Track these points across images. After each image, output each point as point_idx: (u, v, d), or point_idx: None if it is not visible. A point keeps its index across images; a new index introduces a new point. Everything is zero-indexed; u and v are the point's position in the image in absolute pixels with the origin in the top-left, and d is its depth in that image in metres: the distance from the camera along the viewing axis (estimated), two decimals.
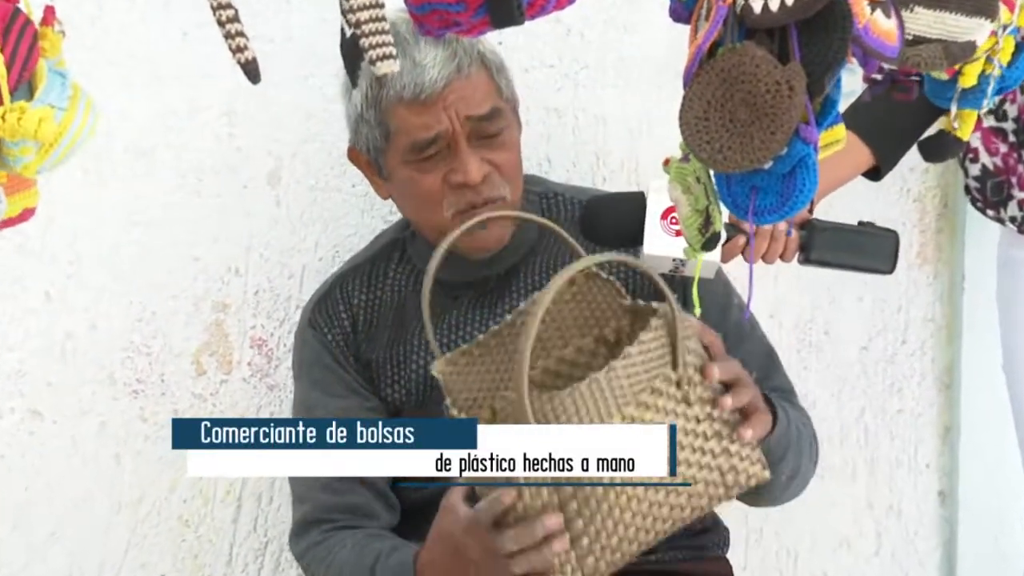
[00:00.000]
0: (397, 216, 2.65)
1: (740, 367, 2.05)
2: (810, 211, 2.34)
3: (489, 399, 2.11)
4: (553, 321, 2.16)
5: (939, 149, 1.62)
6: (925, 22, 1.47)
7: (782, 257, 2.31)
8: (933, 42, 1.48)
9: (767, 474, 1.99)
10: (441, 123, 2.36)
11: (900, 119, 1.97)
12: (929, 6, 1.47)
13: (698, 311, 1.78)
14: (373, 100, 2.39)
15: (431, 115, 2.35)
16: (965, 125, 1.60)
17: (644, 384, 1.87)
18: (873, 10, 1.38)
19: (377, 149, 2.42)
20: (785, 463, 2.22)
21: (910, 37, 1.47)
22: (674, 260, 2.21)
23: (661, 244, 2.20)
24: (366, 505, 2.40)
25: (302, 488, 2.45)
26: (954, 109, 2.61)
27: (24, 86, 1.43)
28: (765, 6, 1.38)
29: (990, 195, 2.69)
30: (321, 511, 2.40)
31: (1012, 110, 2.61)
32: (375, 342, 2.49)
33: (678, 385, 1.91)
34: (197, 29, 2.57)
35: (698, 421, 1.93)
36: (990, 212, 2.71)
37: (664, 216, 2.20)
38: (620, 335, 2.14)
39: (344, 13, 1.38)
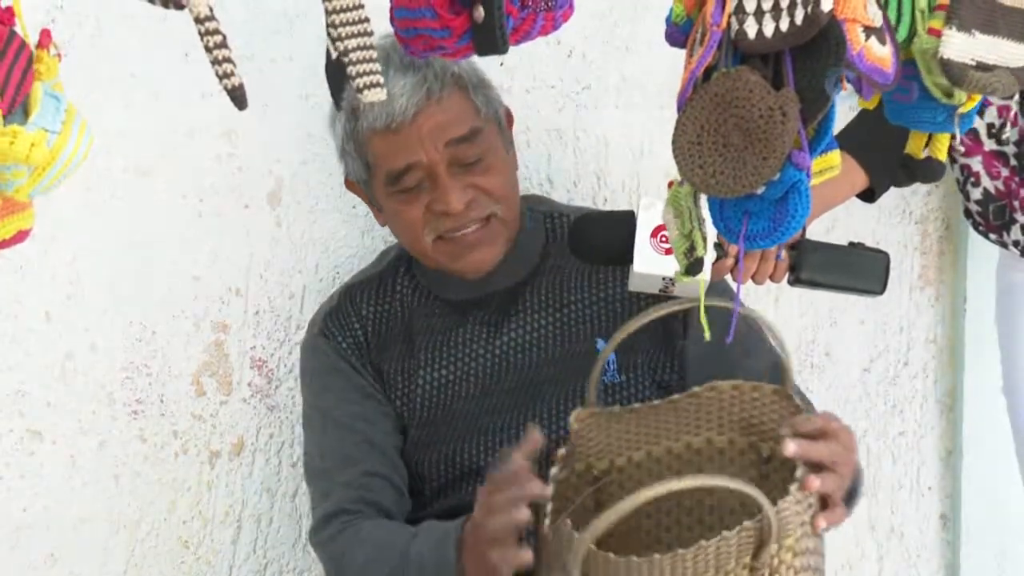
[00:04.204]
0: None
1: (835, 446, 1.99)
2: (802, 234, 2.33)
3: (615, 456, 2.11)
4: (719, 407, 2.12)
5: (927, 173, 1.61)
6: (984, 47, 1.47)
7: (772, 277, 2.30)
8: (998, 68, 1.48)
9: None
10: (416, 154, 2.37)
11: (895, 141, 1.97)
12: (986, 31, 1.47)
13: (707, 335, 1.78)
14: (351, 133, 2.41)
15: (404, 145, 2.36)
16: (943, 147, 1.60)
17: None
18: (868, 36, 1.38)
19: (363, 181, 2.45)
20: None
21: (973, 63, 1.46)
22: (663, 279, 2.20)
23: (650, 263, 2.20)
24: (387, 504, 2.40)
25: (325, 485, 2.44)
26: (959, 132, 2.61)
27: (19, 109, 1.42)
28: (759, 32, 1.38)
29: (992, 219, 2.68)
30: (344, 503, 2.39)
31: (1013, 134, 2.60)
32: (386, 352, 2.50)
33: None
34: (197, 49, 2.54)
35: None
36: (992, 236, 2.70)
37: (654, 235, 2.19)
38: (774, 455, 2.09)
39: (332, 40, 1.38)
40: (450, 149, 2.37)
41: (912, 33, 1.47)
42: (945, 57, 1.45)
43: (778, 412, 2.07)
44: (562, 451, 2.07)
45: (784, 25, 1.37)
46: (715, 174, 1.41)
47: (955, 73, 1.45)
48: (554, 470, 2.04)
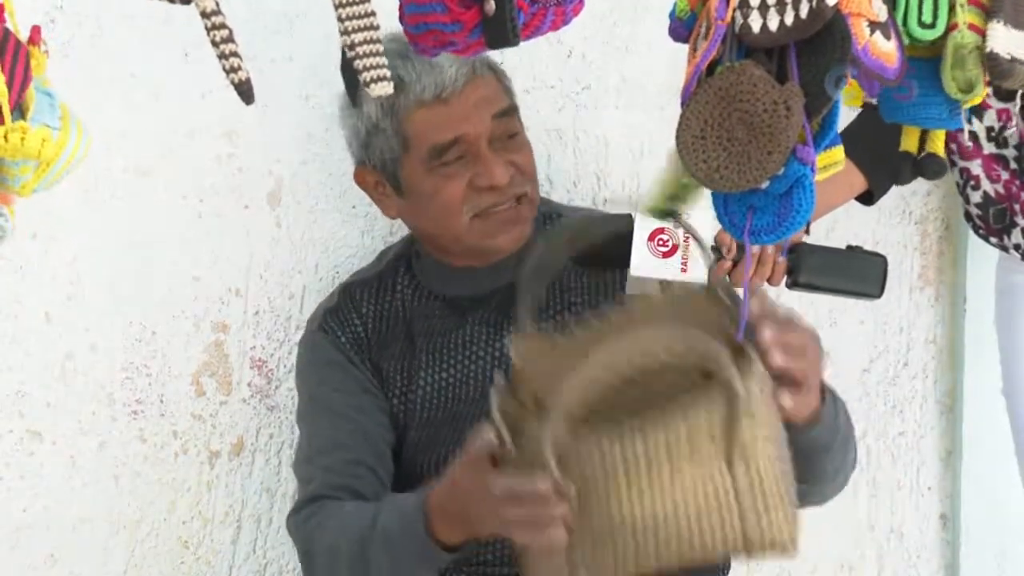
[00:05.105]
0: (397, 237, 2.65)
1: (808, 339, 1.92)
2: (807, 232, 2.33)
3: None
4: (657, 322, 2.02)
5: (933, 170, 1.61)
6: (1017, 42, 1.47)
7: (770, 280, 2.30)
8: None
9: (793, 551, 1.81)
10: (463, 126, 2.38)
11: (894, 143, 1.98)
12: (1017, 27, 1.47)
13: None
14: (389, 108, 2.40)
15: (452, 116, 2.38)
16: (940, 143, 1.60)
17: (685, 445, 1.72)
18: (872, 31, 1.38)
19: (393, 160, 2.43)
20: (832, 454, 2.16)
21: (1008, 56, 1.47)
22: (661, 282, 2.20)
23: (648, 266, 2.20)
24: (368, 493, 2.39)
25: (309, 470, 2.44)
26: (967, 127, 2.60)
27: (15, 107, 1.43)
28: (764, 26, 1.38)
29: (993, 222, 2.68)
30: (324, 489, 2.39)
31: (1013, 137, 2.60)
32: (386, 351, 2.49)
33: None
34: (198, 49, 2.56)
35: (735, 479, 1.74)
36: (993, 239, 2.70)
37: (651, 238, 2.19)
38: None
39: (341, 34, 1.39)
40: (495, 122, 2.41)
41: (948, 28, 1.47)
42: (994, 51, 1.45)
43: (715, 317, 1.96)
44: (500, 378, 1.96)
45: (789, 19, 1.37)
46: (719, 168, 1.42)
47: (1003, 68, 1.45)
48: (496, 400, 1.93)
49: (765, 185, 1.43)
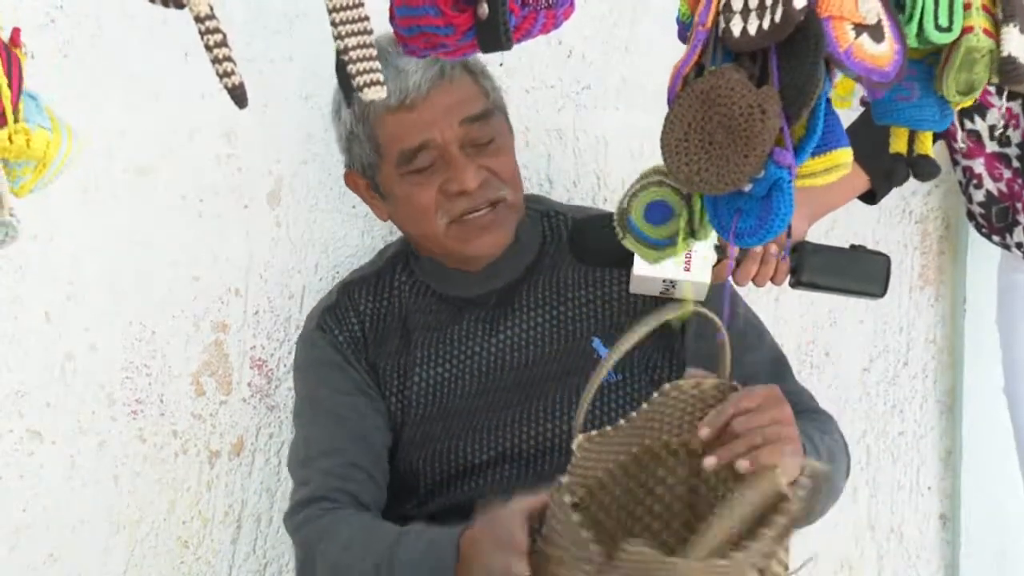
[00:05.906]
0: (396, 236, 2.65)
1: (765, 396, 1.97)
2: (788, 235, 2.32)
3: (607, 477, 2.01)
4: (682, 408, 1.98)
5: (928, 171, 1.61)
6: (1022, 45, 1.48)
7: (773, 280, 2.30)
8: None
9: None
10: (430, 132, 2.37)
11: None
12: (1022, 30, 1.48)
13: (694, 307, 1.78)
14: (361, 114, 2.41)
15: (418, 122, 2.37)
16: (929, 144, 1.60)
17: None
18: (858, 34, 1.38)
19: (371, 166, 2.44)
20: (820, 496, 2.19)
21: (1021, 61, 1.47)
22: (664, 281, 2.20)
23: (651, 265, 2.19)
24: (365, 497, 2.39)
25: (305, 472, 2.44)
26: (960, 130, 2.59)
27: None
28: (744, 30, 1.39)
29: (995, 221, 2.68)
30: (322, 490, 2.39)
31: (1016, 136, 2.60)
32: (382, 348, 2.50)
33: None
34: (197, 49, 2.54)
35: None
36: (995, 238, 2.70)
37: None
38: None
39: (334, 38, 1.40)
40: (464, 127, 2.39)
41: (963, 31, 1.47)
42: (1011, 55, 1.45)
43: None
44: (567, 479, 1.89)
45: (766, 23, 1.38)
46: (699, 171, 1.43)
47: (1018, 72, 1.46)
48: (568, 498, 1.86)
49: (748, 188, 1.43)
